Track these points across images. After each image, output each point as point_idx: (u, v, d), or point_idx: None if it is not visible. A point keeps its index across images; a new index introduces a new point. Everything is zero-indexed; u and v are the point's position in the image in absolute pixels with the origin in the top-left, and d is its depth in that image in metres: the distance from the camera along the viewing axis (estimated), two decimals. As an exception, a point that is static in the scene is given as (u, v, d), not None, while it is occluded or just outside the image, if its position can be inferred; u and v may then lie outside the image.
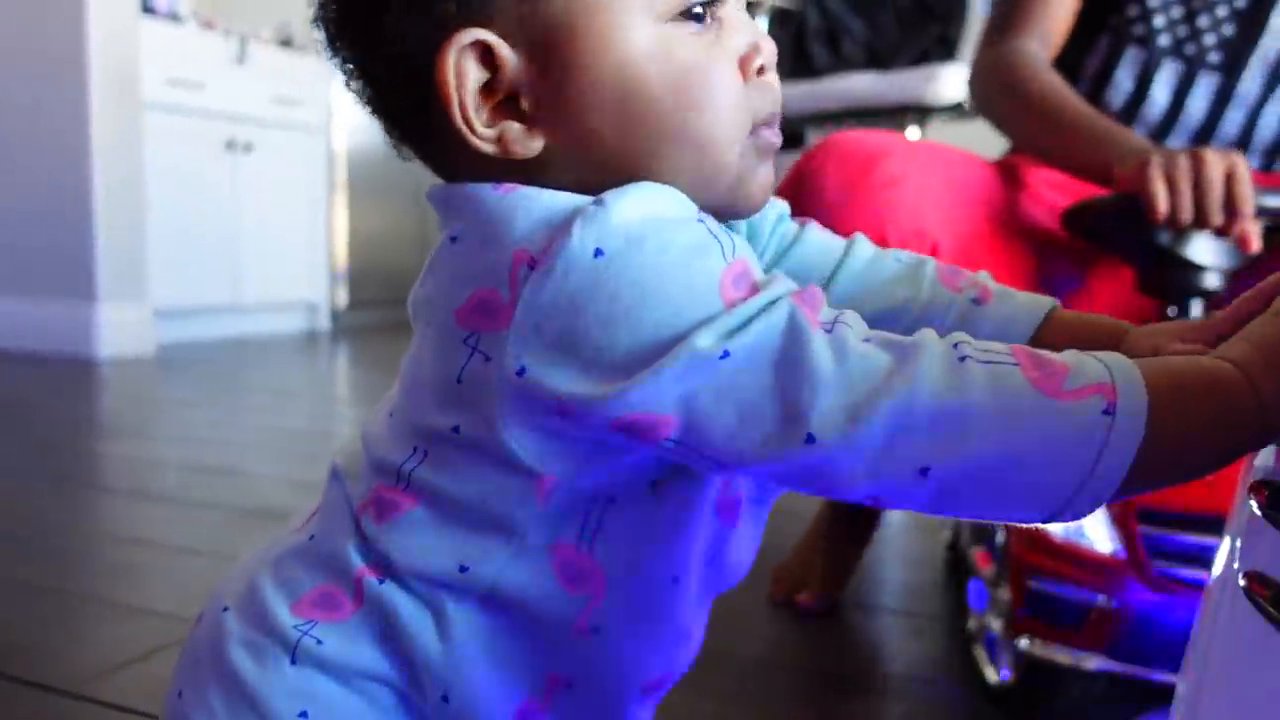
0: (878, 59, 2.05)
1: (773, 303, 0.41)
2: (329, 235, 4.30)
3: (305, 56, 4.14)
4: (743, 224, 0.56)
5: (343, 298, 4.38)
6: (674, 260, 0.41)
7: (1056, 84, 1.08)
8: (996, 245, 1.07)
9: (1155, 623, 0.82)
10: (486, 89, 0.45)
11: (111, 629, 1.10)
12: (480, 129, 0.45)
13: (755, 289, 0.42)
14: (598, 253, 0.41)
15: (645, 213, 0.42)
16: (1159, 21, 1.13)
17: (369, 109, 0.50)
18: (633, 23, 0.45)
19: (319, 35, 0.49)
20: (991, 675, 0.96)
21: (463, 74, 0.44)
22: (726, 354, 0.40)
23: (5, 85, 3.33)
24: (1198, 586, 0.80)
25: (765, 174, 0.50)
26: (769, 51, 0.48)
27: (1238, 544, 0.40)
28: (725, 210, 0.49)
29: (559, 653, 0.49)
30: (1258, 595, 0.36)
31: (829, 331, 0.40)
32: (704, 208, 0.46)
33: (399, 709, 0.49)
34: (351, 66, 0.49)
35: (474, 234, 0.45)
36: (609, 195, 0.43)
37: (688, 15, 0.46)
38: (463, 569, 0.47)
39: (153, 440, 2.18)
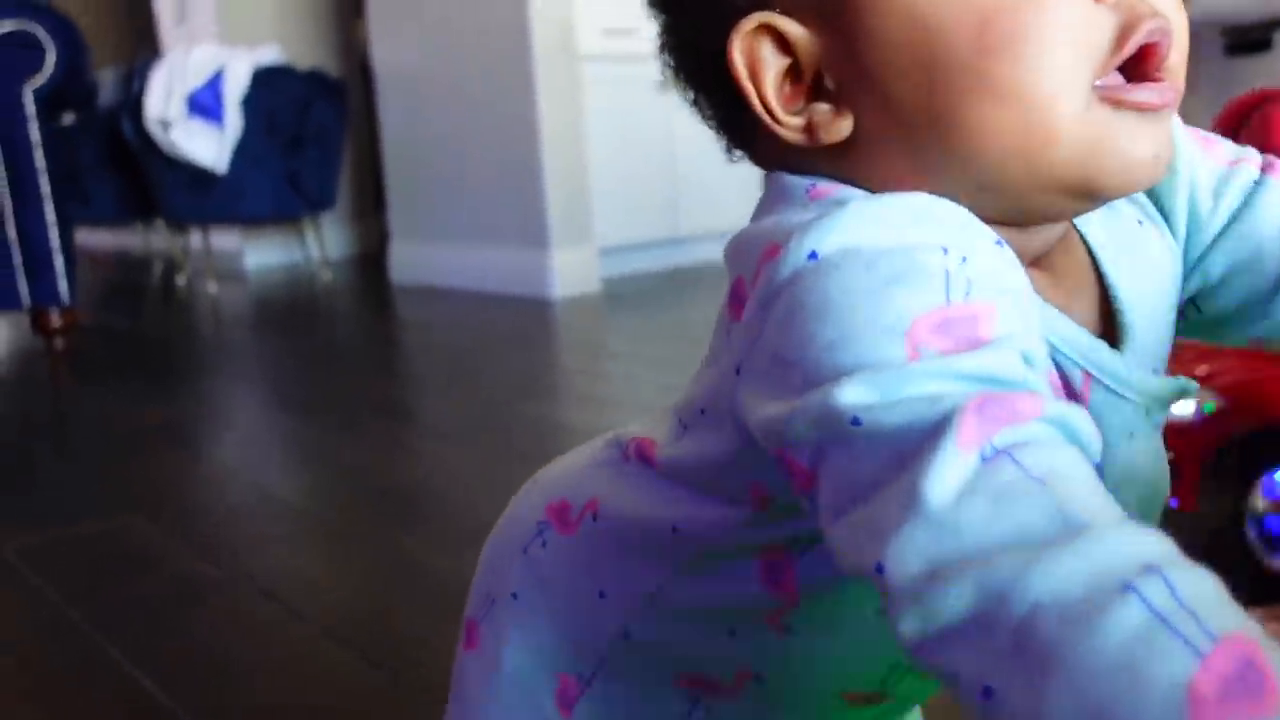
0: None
1: (943, 392, 0.32)
2: (761, 160, 4.33)
3: (730, -14, 4.15)
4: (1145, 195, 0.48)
5: (777, 221, 4.43)
6: (872, 282, 0.35)
7: None
8: None
9: None
10: (792, 73, 0.42)
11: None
12: (785, 118, 0.42)
13: (959, 347, 0.33)
14: (811, 255, 0.36)
15: (882, 224, 0.36)
16: None
17: (692, 106, 0.48)
18: None
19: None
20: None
21: (756, 62, 0.41)
22: (857, 421, 0.33)
23: (458, 63, 3.69)
24: None
25: (1140, 140, 0.39)
26: None
27: None
28: (1078, 192, 0.40)
29: (749, 645, 0.47)
30: None
31: (987, 460, 0.30)
32: (1047, 192, 0.39)
33: None
34: (671, 64, 0.48)
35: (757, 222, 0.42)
36: (862, 195, 0.39)
37: None
38: (675, 529, 0.46)
39: (603, 404, 2.35)
